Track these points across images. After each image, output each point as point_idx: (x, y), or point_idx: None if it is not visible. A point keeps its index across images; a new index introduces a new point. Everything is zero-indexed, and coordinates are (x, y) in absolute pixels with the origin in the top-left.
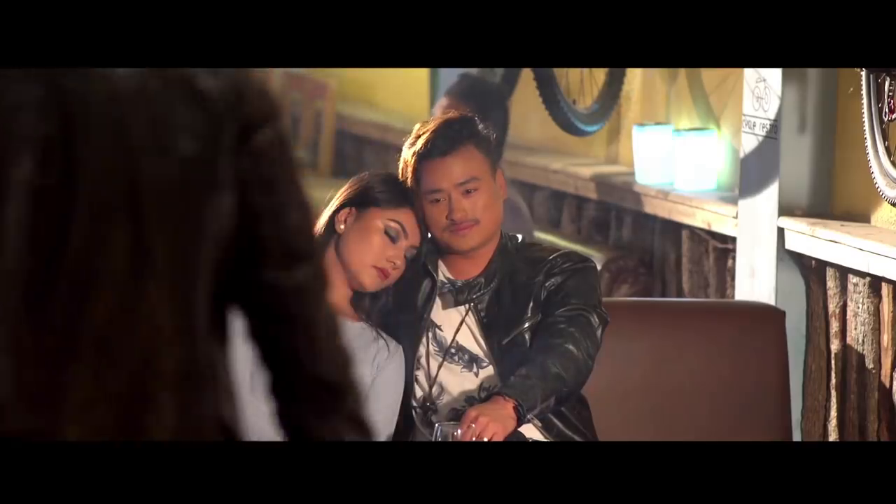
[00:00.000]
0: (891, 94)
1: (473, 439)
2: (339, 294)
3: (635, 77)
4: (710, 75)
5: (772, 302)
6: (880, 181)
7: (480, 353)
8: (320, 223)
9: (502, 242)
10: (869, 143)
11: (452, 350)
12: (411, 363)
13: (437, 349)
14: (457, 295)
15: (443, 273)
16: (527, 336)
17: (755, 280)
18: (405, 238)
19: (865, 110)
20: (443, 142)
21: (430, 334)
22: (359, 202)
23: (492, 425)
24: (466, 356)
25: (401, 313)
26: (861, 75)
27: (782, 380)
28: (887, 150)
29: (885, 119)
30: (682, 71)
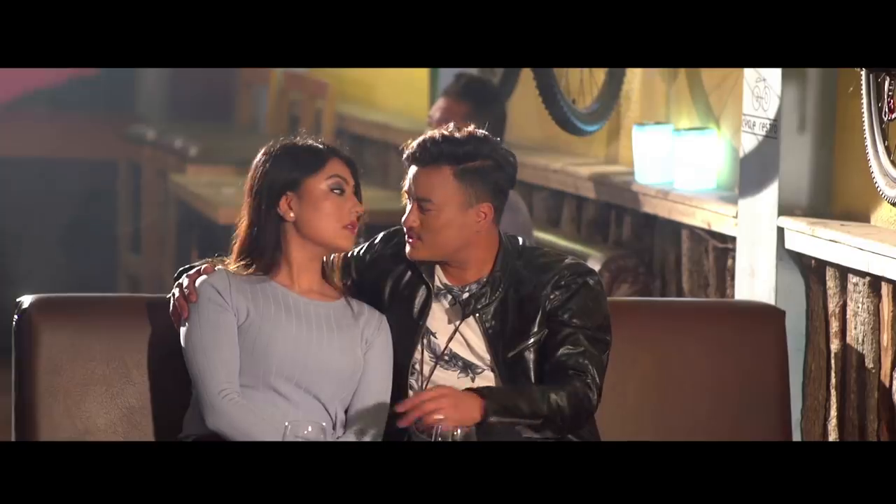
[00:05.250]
0: (891, 93)
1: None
2: (310, 278)
3: (635, 77)
4: (710, 75)
5: (772, 301)
6: (880, 181)
7: (476, 361)
8: (250, 221)
9: (503, 248)
10: (869, 142)
11: (446, 357)
12: (406, 369)
13: (430, 356)
14: (464, 307)
15: (439, 279)
16: (532, 350)
17: (755, 280)
18: (347, 182)
19: (865, 110)
20: (421, 152)
21: (425, 341)
22: (289, 184)
23: (444, 402)
24: (460, 363)
25: (398, 318)
26: (861, 75)
27: (782, 379)
28: (887, 149)
29: (885, 119)
30: (682, 71)
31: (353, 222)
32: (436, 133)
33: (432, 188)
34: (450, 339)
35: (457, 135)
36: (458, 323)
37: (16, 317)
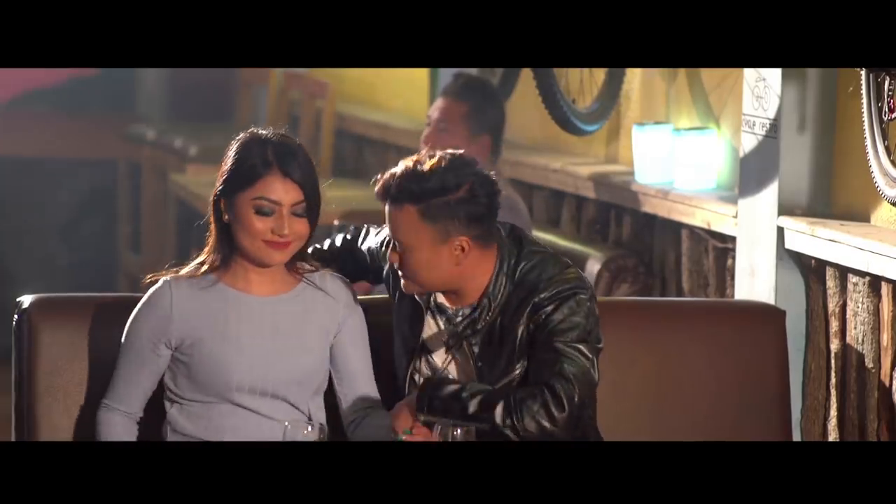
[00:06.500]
0: (890, 93)
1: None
2: (261, 274)
3: (635, 77)
4: (709, 75)
5: (771, 301)
6: (880, 180)
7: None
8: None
9: (498, 271)
10: (869, 142)
11: (443, 375)
12: (405, 376)
13: (428, 371)
14: (457, 334)
15: (436, 298)
16: (516, 380)
17: (755, 279)
18: (279, 204)
19: (865, 110)
20: (384, 191)
21: (423, 358)
22: (228, 190)
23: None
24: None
25: (402, 332)
26: (861, 75)
27: (782, 379)
28: (887, 149)
29: (885, 118)
30: (682, 70)
31: (275, 242)
32: (399, 168)
33: (399, 229)
34: (446, 363)
35: (421, 168)
36: (452, 347)
37: (16, 317)
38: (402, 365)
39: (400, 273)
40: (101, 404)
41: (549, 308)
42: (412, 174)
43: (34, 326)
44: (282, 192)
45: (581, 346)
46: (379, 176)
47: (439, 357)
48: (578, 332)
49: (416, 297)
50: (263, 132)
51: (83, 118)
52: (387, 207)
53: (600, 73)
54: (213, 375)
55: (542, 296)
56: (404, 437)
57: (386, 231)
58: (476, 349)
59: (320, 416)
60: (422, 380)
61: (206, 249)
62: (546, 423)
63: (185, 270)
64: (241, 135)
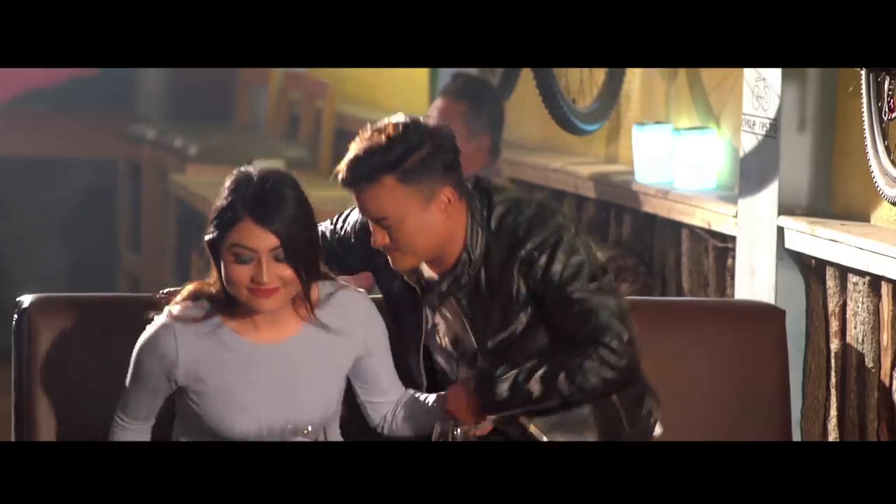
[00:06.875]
0: (890, 93)
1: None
2: (266, 316)
3: (635, 76)
4: (709, 75)
5: (771, 301)
6: (880, 180)
7: (469, 349)
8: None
9: (470, 222)
10: (869, 142)
11: (446, 351)
12: (419, 376)
13: (438, 355)
14: (444, 296)
15: (426, 272)
16: (518, 338)
17: (755, 279)
18: (256, 251)
19: (865, 110)
20: (353, 176)
21: (429, 341)
22: (214, 236)
23: (451, 404)
24: (457, 354)
25: (401, 330)
26: (861, 75)
27: (782, 379)
28: (887, 149)
29: (885, 118)
30: (682, 70)
31: (257, 289)
32: (355, 150)
33: (381, 205)
34: (441, 335)
35: (380, 140)
36: (440, 306)
37: (16, 317)
38: (409, 351)
39: (390, 252)
40: (115, 421)
41: (543, 260)
42: (375, 149)
43: (34, 326)
44: (257, 238)
45: (598, 284)
46: (337, 169)
47: (441, 330)
48: (586, 271)
49: (406, 278)
50: (251, 171)
51: (83, 118)
52: (359, 192)
53: (600, 73)
54: (217, 427)
55: (528, 248)
56: (477, 431)
57: (340, 219)
58: (465, 303)
59: (334, 434)
60: (440, 360)
61: (211, 282)
62: (610, 375)
63: (187, 302)
64: (235, 172)
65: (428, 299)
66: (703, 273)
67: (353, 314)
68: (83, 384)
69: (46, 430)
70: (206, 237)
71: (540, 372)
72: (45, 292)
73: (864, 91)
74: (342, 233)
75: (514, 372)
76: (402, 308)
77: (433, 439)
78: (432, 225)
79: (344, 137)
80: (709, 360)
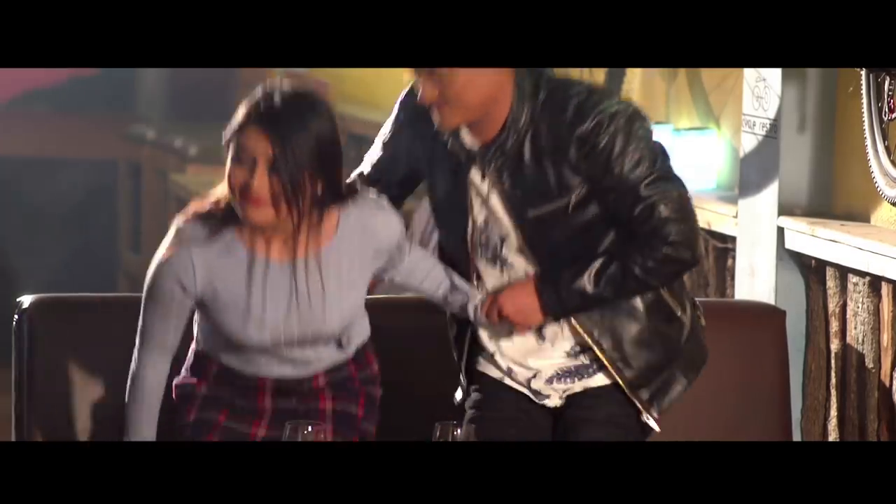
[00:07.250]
0: (891, 93)
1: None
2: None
3: (635, 77)
4: (709, 75)
5: (772, 301)
6: (880, 180)
7: (507, 232)
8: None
9: (518, 90)
10: (869, 142)
11: (483, 240)
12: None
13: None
14: (484, 165)
15: (468, 140)
16: (563, 209)
17: (755, 279)
18: (253, 156)
19: (865, 110)
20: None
21: (473, 223)
22: (228, 132)
23: (508, 307)
24: (492, 245)
25: (450, 212)
26: (861, 75)
27: (782, 379)
28: (887, 149)
29: (885, 118)
30: (682, 70)
31: (247, 195)
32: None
33: None
34: (487, 192)
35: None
36: (484, 191)
37: (16, 317)
38: (456, 232)
39: (439, 107)
40: (138, 361)
41: (603, 142)
42: None
43: (34, 326)
44: (253, 141)
45: (658, 172)
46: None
47: (478, 210)
48: (647, 160)
49: (449, 146)
50: (283, 83)
51: (83, 118)
52: (419, 74)
53: (600, 73)
54: (234, 336)
55: (583, 128)
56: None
57: (378, 141)
58: (505, 174)
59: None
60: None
61: (214, 199)
62: (676, 268)
63: (196, 220)
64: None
65: (472, 175)
66: (703, 273)
67: (372, 228)
68: (83, 384)
69: (46, 431)
70: (226, 136)
71: (607, 273)
72: (45, 293)
73: (864, 91)
74: (390, 141)
75: (579, 275)
76: (450, 212)
77: (433, 439)
78: (482, 81)
79: (344, 137)
80: (708, 361)
